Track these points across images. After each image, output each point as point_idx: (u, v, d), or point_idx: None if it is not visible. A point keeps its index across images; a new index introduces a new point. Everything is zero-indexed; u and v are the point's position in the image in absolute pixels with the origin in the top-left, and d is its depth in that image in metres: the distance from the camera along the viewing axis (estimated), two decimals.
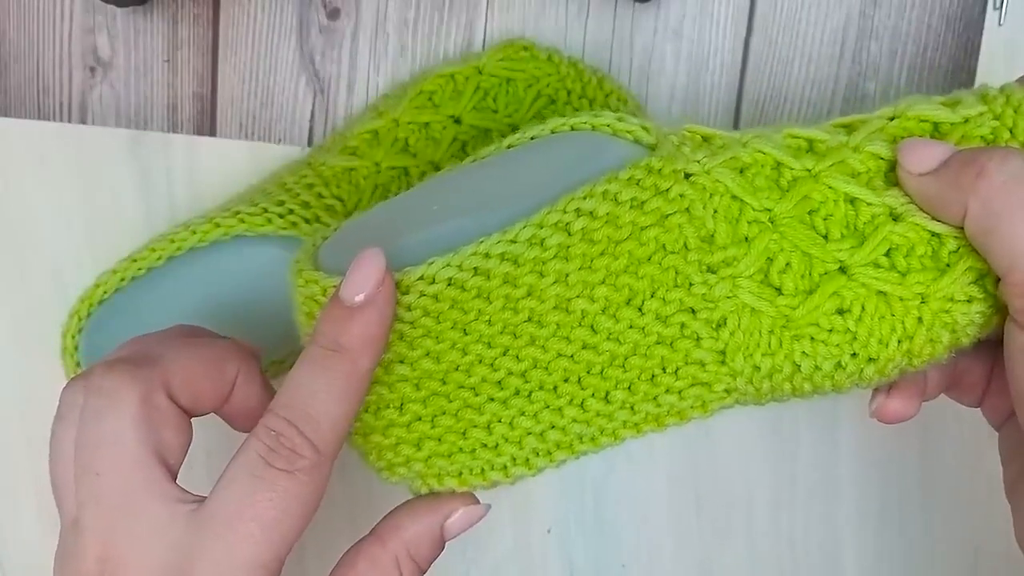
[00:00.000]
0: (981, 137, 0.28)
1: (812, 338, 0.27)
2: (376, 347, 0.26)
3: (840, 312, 0.27)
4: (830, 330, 0.27)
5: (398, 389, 0.28)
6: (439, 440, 0.29)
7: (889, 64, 0.41)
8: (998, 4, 0.38)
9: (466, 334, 0.27)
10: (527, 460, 0.29)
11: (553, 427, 0.28)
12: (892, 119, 0.29)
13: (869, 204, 0.27)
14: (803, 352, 0.27)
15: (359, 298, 0.25)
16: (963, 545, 0.41)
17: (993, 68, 0.39)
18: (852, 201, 0.28)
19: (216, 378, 0.28)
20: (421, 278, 0.26)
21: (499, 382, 0.28)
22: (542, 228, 0.27)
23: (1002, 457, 0.33)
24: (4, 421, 0.43)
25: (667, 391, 0.28)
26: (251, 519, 0.24)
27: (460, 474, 0.29)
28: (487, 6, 0.41)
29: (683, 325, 0.28)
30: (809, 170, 0.28)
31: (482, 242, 0.27)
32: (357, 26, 0.42)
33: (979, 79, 0.39)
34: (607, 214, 0.27)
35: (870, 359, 0.27)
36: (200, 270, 0.37)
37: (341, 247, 0.29)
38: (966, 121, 0.28)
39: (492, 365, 0.28)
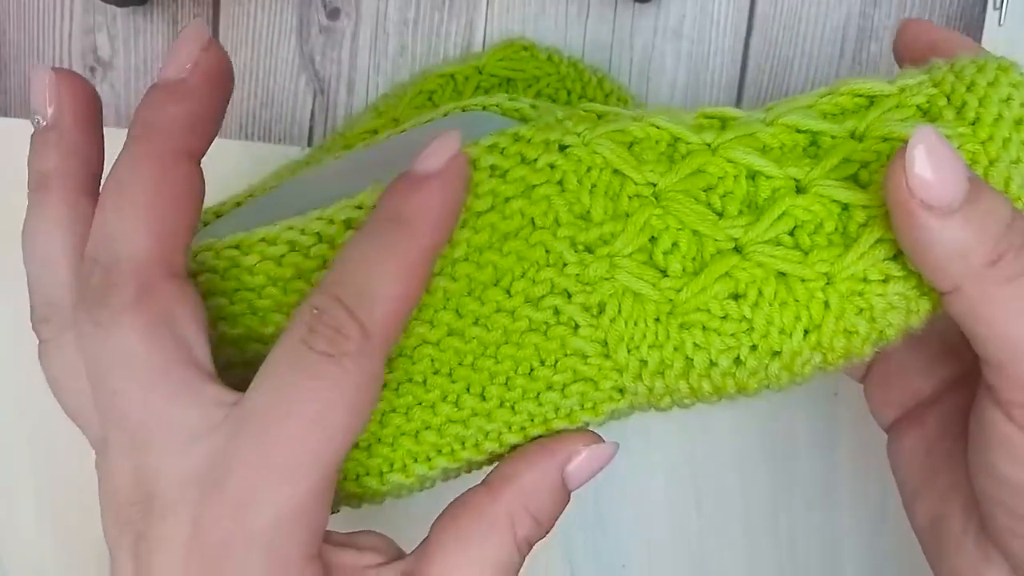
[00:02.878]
0: (916, 106, 0.25)
1: (704, 327, 0.24)
2: (443, 226, 0.22)
3: (734, 297, 0.24)
4: (723, 317, 0.24)
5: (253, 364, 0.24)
6: None
7: (889, 64, 0.41)
8: (998, 4, 0.38)
9: None
10: (404, 467, 0.25)
11: (427, 427, 0.25)
12: (824, 96, 0.25)
13: (769, 177, 0.24)
14: (695, 344, 0.24)
15: (432, 169, 0.22)
16: None
17: None
18: (753, 177, 0.24)
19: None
20: (262, 239, 0.24)
21: None
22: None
23: (900, 477, 0.29)
24: (4, 421, 0.43)
25: (548, 387, 0.25)
26: (289, 414, 0.20)
27: (345, 478, 0.26)
28: (487, 6, 0.41)
29: (557, 310, 0.24)
30: (708, 144, 0.24)
31: (327, 209, 0.24)
32: (357, 26, 0.42)
33: None
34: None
35: (773, 353, 0.24)
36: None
37: (230, 226, 0.27)
38: (901, 91, 0.25)
39: None
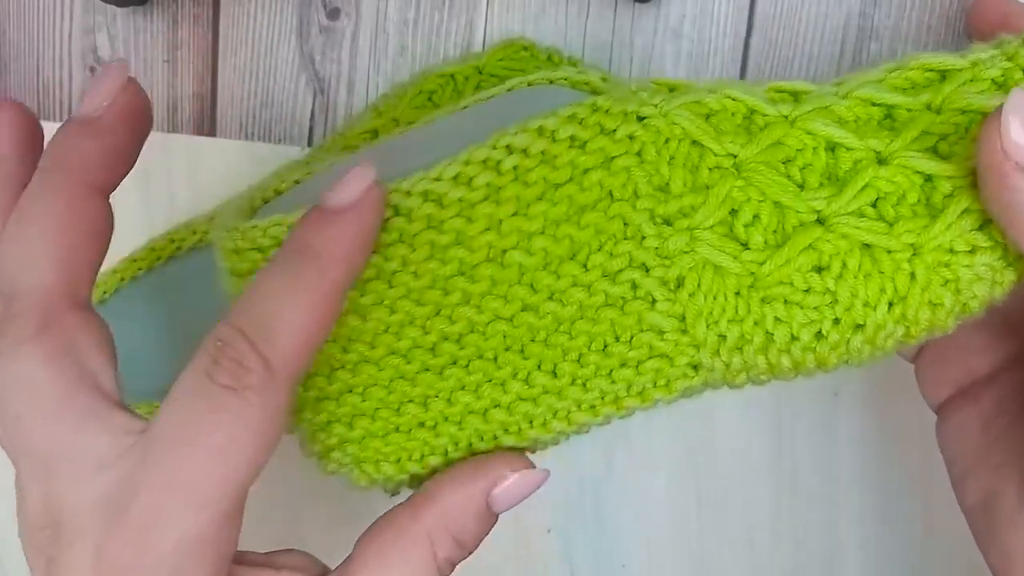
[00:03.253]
0: (991, 80, 0.24)
1: (785, 300, 0.23)
2: (352, 259, 0.22)
3: (818, 270, 0.23)
4: (806, 290, 0.23)
5: (325, 353, 0.24)
6: (372, 417, 0.25)
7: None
8: None
9: (391, 287, 0.24)
10: (470, 445, 0.25)
11: (497, 405, 0.25)
12: (893, 71, 0.25)
13: (850, 149, 0.24)
14: (776, 318, 0.24)
15: (344, 202, 0.22)
16: (963, 545, 0.41)
17: None
18: (833, 149, 0.24)
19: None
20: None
21: (432, 348, 0.24)
22: (468, 165, 0.23)
23: (950, 456, 0.29)
24: None
25: (622, 364, 0.24)
26: (193, 444, 0.20)
27: (398, 460, 0.25)
28: (487, 6, 0.41)
29: (634, 284, 0.24)
30: (785, 116, 0.24)
31: (403, 180, 0.24)
32: (357, 26, 0.42)
33: None
34: (542, 152, 0.24)
35: (856, 326, 0.23)
36: (201, 270, 0.37)
37: (284, 206, 0.26)
38: (974, 65, 0.25)
39: (423, 327, 0.24)
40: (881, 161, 0.24)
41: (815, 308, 0.24)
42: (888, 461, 0.41)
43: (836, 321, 0.24)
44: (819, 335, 0.24)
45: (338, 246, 0.22)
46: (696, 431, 0.41)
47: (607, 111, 0.24)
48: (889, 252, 0.23)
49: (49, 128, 0.42)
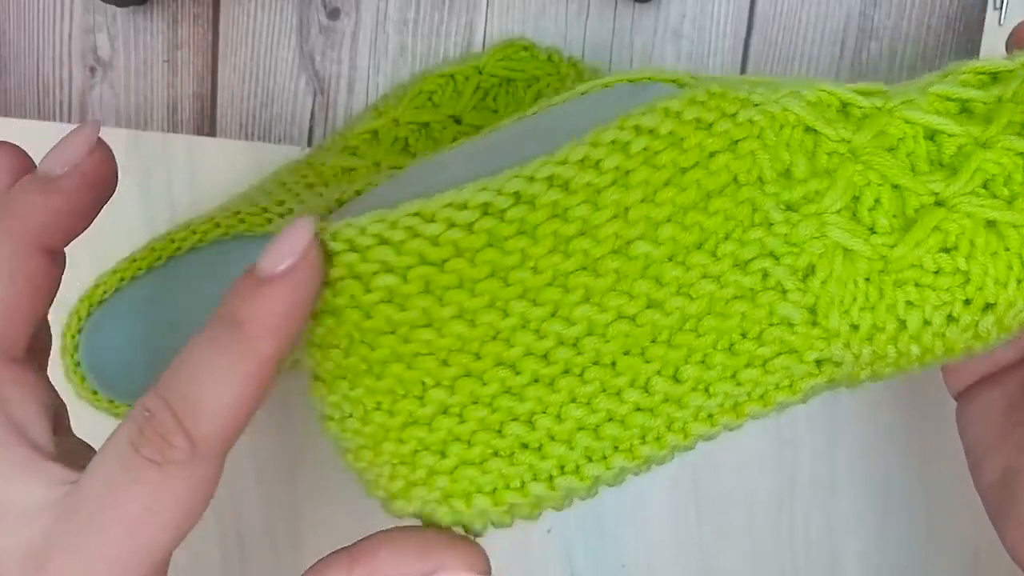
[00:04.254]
0: None
1: (917, 283, 0.23)
2: (284, 331, 0.21)
3: (946, 250, 0.23)
4: (936, 272, 0.23)
5: (420, 366, 0.22)
6: (469, 441, 0.22)
7: (889, 64, 0.41)
8: (998, 4, 0.38)
9: (507, 285, 0.21)
10: (577, 468, 0.22)
11: (611, 419, 0.22)
12: (946, 77, 0.25)
13: (951, 135, 0.24)
14: (908, 302, 0.23)
15: (275, 270, 0.20)
16: (963, 545, 0.41)
17: None
18: (932, 137, 0.24)
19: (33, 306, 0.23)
20: (450, 204, 0.21)
21: (546, 355, 0.22)
22: (596, 147, 0.22)
23: (969, 440, 0.30)
24: None
25: (748, 364, 0.23)
26: (112, 511, 0.20)
27: (494, 489, 0.22)
28: (487, 6, 0.41)
29: (765, 273, 0.23)
30: (879, 107, 0.24)
31: (525, 167, 0.22)
32: (357, 26, 0.42)
33: None
34: (670, 133, 0.22)
35: (987, 305, 0.23)
36: (201, 270, 0.37)
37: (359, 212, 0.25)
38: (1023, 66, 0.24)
39: (538, 331, 0.22)
40: (983, 145, 0.24)
41: (947, 289, 0.23)
42: (888, 461, 0.41)
43: (967, 302, 0.23)
44: (950, 318, 0.23)
45: (268, 318, 0.20)
46: None
47: (722, 95, 0.23)
48: (1015, 227, 0.23)
49: (49, 128, 0.42)
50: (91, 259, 0.42)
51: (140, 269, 0.37)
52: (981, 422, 0.30)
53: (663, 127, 0.22)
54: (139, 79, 0.43)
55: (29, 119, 0.43)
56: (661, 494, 0.41)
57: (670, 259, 0.22)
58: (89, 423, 0.28)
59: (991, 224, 0.23)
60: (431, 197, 0.22)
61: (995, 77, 0.25)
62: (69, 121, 0.43)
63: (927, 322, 0.23)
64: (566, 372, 0.22)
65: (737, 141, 0.23)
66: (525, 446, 0.22)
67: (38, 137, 0.41)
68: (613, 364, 0.22)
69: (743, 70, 0.41)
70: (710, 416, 0.23)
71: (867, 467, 0.41)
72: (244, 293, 0.21)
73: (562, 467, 0.22)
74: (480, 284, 0.21)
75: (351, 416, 0.23)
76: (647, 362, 0.22)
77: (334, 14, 0.42)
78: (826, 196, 0.23)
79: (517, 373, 0.22)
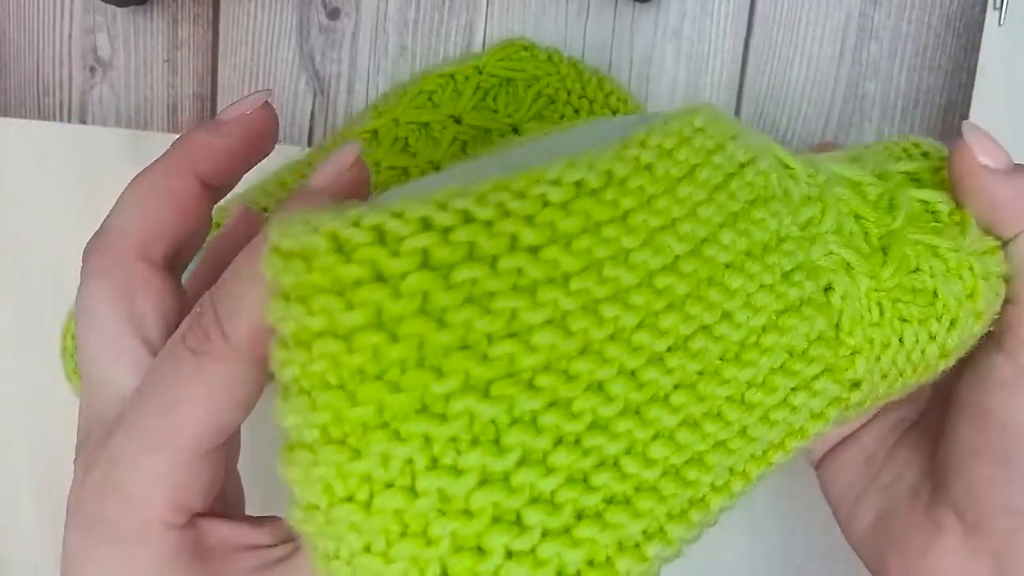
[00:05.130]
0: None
1: (902, 301, 0.24)
2: None
3: (916, 271, 0.25)
4: (914, 290, 0.25)
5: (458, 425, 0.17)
6: (552, 501, 0.17)
7: (889, 64, 0.41)
8: (998, 4, 0.38)
9: (602, 281, 0.18)
10: (662, 529, 0.19)
11: (690, 460, 0.19)
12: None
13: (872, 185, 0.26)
14: (901, 319, 0.24)
15: (321, 184, 0.23)
16: None
17: (993, 68, 0.39)
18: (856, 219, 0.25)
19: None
20: (536, 179, 0.18)
21: (635, 375, 0.18)
22: (643, 147, 0.20)
23: (836, 499, 0.33)
24: (4, 421, 0.43)
25: (796, 388, 0.21)
26: (154, 396, 0.23)
27: (592, 564, 0.18)
28: (487, 6, 0.41)
29: (803, 285, 0.22)
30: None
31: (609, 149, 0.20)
32: (357, 26, 0.42)
33: (979, 79, 0.39)
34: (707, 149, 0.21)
35: (951, 323, 0.25)
36: None
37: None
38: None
39: (630, 341, 0.18)
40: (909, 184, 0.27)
41: (923, 306, 0.25)
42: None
43: (939, 319, 0.25)
44: (931, 337, 0.25)
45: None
46: None
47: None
48: (953, 251, 0.25)
49: (49, 128, 0.42)
50: None
51: None
52: (844, 478, 0.33)
53: (689, 143, 0.21)
54: (139, 79, 0.43)
55: (29, 119, 0.43)
56: None
57: (732, 265, 0.20)
58: None
59: (934, 250, 0.25)
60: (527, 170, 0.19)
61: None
62: (69, 121, 0.43)
63: (916, 340, 0.25)
64: (652, 398, 0.19)
65: (754, 158, 0.22)
66: (610, 500, 0.18)
67: (38, 137, 0.41)
68: (694, 386, 0.19)
69: (743, 70, 0.41)
70: (764, 453, 0.21)
71: None
72: (291, 206, 0.23)
73: (647, 532, 0.19)
74: (572, 276, 0.18)
75: (371, 499, 0.18)
76: (723, 383, 0.20)
77: (334, 14, 0.42)
78: (824, 219, 0.24)
79: (610, 400, 0.18)
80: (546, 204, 0.18)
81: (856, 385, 0.23)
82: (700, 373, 0.19)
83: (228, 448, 0.25)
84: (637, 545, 0.18)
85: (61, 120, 0.43)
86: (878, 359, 0.24)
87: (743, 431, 0.20)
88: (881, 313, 0.24)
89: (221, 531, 0.25)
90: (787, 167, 0.24)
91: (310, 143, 0.43)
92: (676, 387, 0.19)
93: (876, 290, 0.24)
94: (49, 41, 0.43)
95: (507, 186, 0.18)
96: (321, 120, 0.43)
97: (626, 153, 0.19)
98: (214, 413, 0.23)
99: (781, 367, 0.21)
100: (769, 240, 0.21)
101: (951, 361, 0.27)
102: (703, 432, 0.19)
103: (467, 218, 0.17)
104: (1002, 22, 0.39)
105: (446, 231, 0.17)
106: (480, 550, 0.17)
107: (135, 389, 0.24)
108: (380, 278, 0.17)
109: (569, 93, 0.39)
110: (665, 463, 0.19)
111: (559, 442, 0.17)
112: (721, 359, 0.20)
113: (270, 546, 0.25)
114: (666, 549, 0.19)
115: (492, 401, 0.17)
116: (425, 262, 0.17)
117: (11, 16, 0.43)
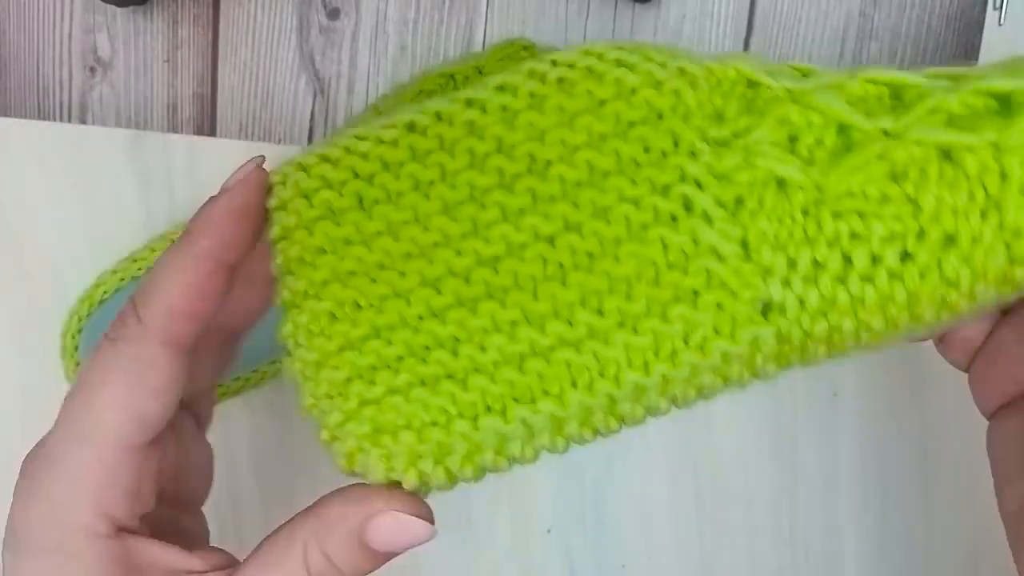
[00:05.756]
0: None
1: (860, 212, 0.21)
2: (215, 229, 0.25)
3: (893, 178, 0.21)
4: (882, 199, 0.21)
5: (353, 285, 0.22)
6: (395, 368, 0.22)
7: (889, 64, 0.41)
8: (998, 4, 0.38)
9: (428, 199, 0.22)
10: (504, 408, 0.22)
11: (534, 351, 0.21)
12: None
13: (912, 84, 0.22)
14: (852, 234, 0.21)
15: (223, 188, 0.25)
16: (963, 544, 0.41)
17: None
18: (898, 96, 0.22)
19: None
20: (381, 125, 0.23)
21: (466, 275, 0.22)
22: (513, 75, 0.23)
23: (995, 461, 0.29)
24: (4, 421, 0.43)
25: (676, 298, 0.21)
26: (80, 385, 0.24)
27: (420, 427, 0.22)
28: (487, 6, 0.41)
29: (687, 201, 0.21)
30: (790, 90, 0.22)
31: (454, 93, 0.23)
32: (357, 26, 0.42)
33: None
34: (587, 67, 0.22)
35: (947, 238, 0.21)
36: None
37: None
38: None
39: (458, 249, 0.22)
40: (947, 91, 0.22)
41: (896, 217, 0.21)
42: (888, 460, 0.41)
43: (921, 235, 0.21)
44: (905, 255, 0.21)
45: (206, 221, 0.25)
46: (696, 431, 0.41)
47: (656, 48, 0.23)
48: (971, 151, 0.21)
49: (49, 128, 0.42)
50: (91, 259, 0.42)
51: (140, 269, 0.37)
52: (1003, 447, 0.29)
53: (581, 61, 0.22)
54: (139, 79, 0.43)
55: (29, 119, 0.43)
56: (661, 493, 0.41)
57: (588, 182, 0.22)
58: None
59: (946, 153, 0.21)
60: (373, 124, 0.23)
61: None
62: (69, 121, 0.43)
63: (877, 258, 0.21)
64: (488, 296, 0.22)
65: (661, 81, 0.22)
66: (450, 376, 0.22)
67: (38, 137, 0.41)
68: (534, 289, 0.22)
69: None
70: (645, 363, 0.22)
71: (867, 467, 0.41)
72: (199, 210, 0.25)
73: (489, 405, 0.22)
74: (404, 198, 0.22)
75: (301, 346, 0.23)
76: (566, 287, 0.21)
77: (334, 14, 0.42)
78: (755, 131, 0.22)
79: (439, 293, 0.22)
80: (411, 131, 0.23)
81: (770, 308, 0.21)
82: (546, 278, 0.22)
83: (159, 461, 0.25)
84: (475, 416, 0.22)
85: (61, 120, 0.43)
86: (813, 281, 0.21)
87: (604, 337, 0.22)
88: (819, 228, 0.21)
89: (152, 551, 0.25)
90: (757, 84, 0.22)
91: (310, 143, 0.43)
92: (515, 287, 0.22)
93: (819, 202, 0.21)
94: (49, 41, 0.43)
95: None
96: (321, 120, 0.43)
97: (534, 70, 0.23)
98: (132, 399, 0.24)
99: (655, 278, 0.21)
100: (650, 156, 0.22)
101: (993, 292, 0.22)
102: (544, 330, 0.22)
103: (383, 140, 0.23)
104: (1002, 22, 0.39)
105: (374, 149, 0.23)
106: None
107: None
108: (329, 186, 0.23)
109: None
110: (501, 351, 0.22)
111: (402, 324, 0.22)
112: (574, 267, 0.22)
113: (202, 572, 0.25)
114: (505, 425, 0.22)
115: (417, 262, 0.22)
116: (355, 174, 0.23)
117: (11, 16, 0.43)
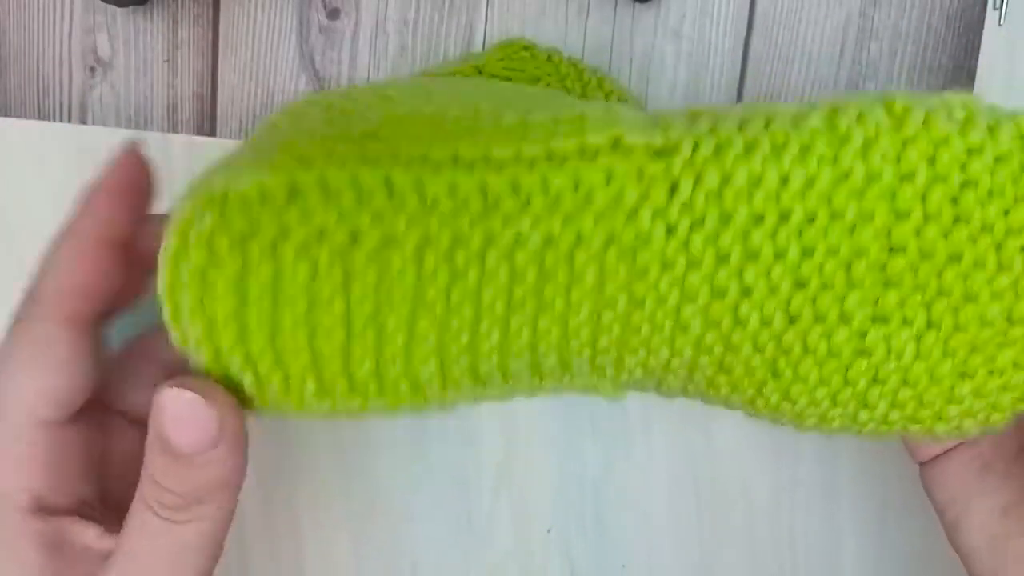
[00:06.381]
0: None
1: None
2: (99, 211, 0.27)
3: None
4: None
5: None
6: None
7: (889, 64, 0.41)
8: (998, 4, 0.38)
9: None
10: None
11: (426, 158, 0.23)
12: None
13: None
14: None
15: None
16: None
17: (993, 68, 0.39)
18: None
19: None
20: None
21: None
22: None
23: (944, 501, 0.30)
24: None
25: (557, 121, 0.23)
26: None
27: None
28: (487, 6, 0.41)
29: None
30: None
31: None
32: (357, 26, 0.42)
33: (979, 79, 0.39)
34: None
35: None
36: None
37: None
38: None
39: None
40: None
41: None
42: (888, 461, 0.41)
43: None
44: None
45: (87, 202, 0.27)
46: (696, 432, 0.41)
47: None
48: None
49: (49, 128, 0.42)
50: None
51: None
52: (955, 484, 0.30)
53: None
54: (139, 79, 0.43)
55: (29, 119, 0.43)
56: (661, 494, 0.41)
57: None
58: None
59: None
60: None
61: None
62: (69, 121, 0.43)
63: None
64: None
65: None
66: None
67: (38, 137, 0.41)
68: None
69: (743, 70, 0.41)
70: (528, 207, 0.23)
71: (868, 469, 0.41)
72: (80, 194, 0.28)
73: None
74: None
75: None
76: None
77: (334, 14, 0.42)
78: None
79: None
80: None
81: (661, 156, 0.23)
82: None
83: (87, 443, 0.26)
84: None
85: (61, 120, 0.43)
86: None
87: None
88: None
89: (75, 529, 0.25)
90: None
91: None
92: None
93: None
94: (49, 41, 0.43)
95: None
96: None
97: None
98: (38, 375, 0.25)
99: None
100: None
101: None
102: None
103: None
104: (1002, 22, 0.39)
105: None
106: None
107: None
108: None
109: (569, 93, 0.39)
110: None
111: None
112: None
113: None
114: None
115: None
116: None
117: (11, 16, 0.43)
